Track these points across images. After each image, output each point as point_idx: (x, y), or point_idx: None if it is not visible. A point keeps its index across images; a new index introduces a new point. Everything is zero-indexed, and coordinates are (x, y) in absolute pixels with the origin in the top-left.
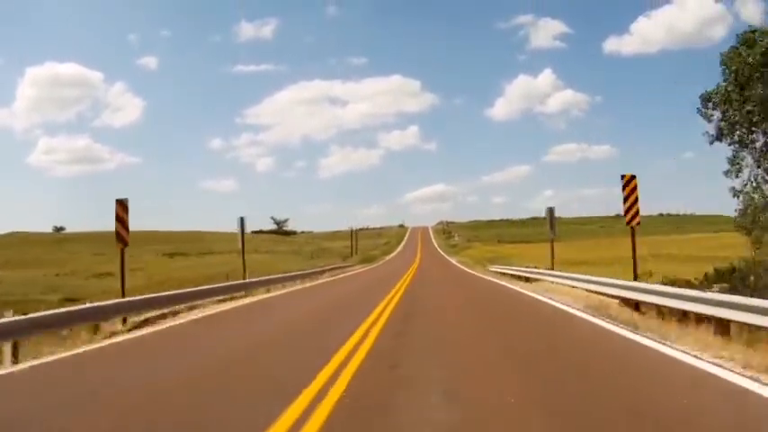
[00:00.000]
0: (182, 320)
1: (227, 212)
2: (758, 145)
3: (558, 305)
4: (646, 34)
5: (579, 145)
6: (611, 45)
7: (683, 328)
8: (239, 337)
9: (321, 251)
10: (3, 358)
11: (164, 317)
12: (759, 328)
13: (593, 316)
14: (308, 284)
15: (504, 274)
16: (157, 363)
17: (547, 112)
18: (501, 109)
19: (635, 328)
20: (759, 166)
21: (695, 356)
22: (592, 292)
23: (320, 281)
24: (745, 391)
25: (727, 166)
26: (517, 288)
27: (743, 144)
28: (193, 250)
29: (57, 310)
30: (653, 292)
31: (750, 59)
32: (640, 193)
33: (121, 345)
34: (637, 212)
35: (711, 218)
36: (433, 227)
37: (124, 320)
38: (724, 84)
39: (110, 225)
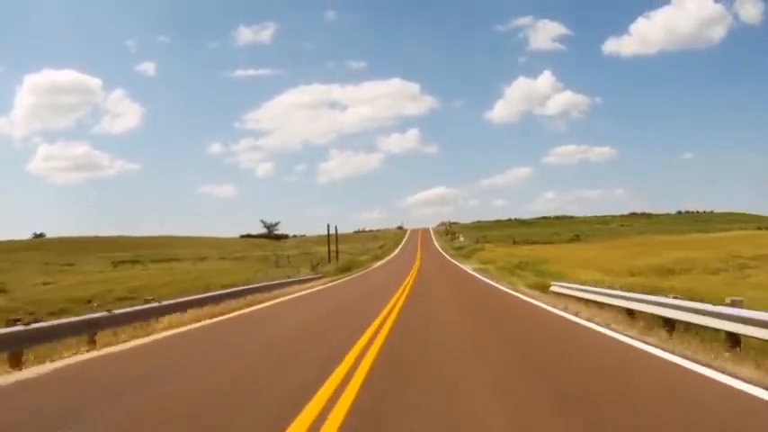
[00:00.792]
0: None
1: (227, 218)
2: None
3: None
4: (645, 35)
5: (579, 146)
6: (611, 46)
7: None
8: None
9: (300, 256)
10: None
11: None
12: None
13: None
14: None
15: (600, 304)
16: None
17: (547, 113)
18: (501, 111)
19: None
20: None
21: None
22: None
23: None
24: None
25: None
26: None
27: None
28: (153, 257)
29: None
30: None
31: None
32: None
33: None
34: None
35: (733, 216)
36: (435, 228)
37: None
38: None
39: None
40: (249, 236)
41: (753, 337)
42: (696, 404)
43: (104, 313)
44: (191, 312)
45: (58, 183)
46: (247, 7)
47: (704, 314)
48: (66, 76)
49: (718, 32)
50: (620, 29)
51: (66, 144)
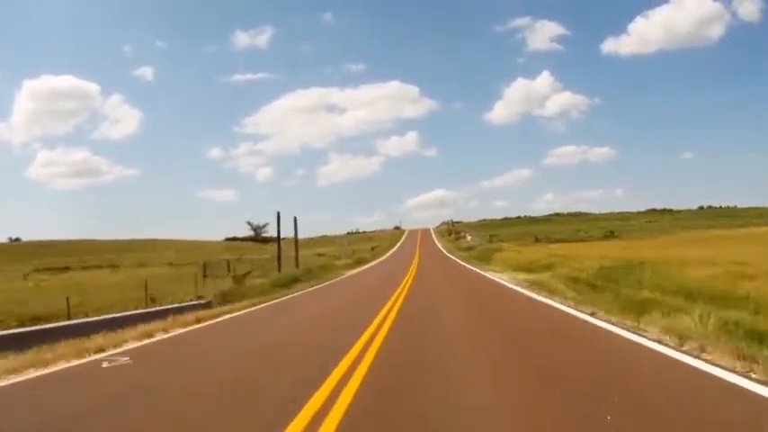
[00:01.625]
0: None
1: (227, 221)
2: None
3: None
4: (644, 35)
5: (579, 147)
6: (610, 46)
7: None
8: None
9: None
10: None
11: None
12: None
13: None
14: None
15: None
16: None
17: (546, 114)
18: (500, 112)
19: None
20: None
21: None
22: None
23: None
24: None
25: None
26: None
27: None
28: (93, 263)
29: None
30: None
31: None
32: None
33: None
34: None
35: (760, 210)
36: (436, 228)
37: None
38: None
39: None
40: (235, 239)
41: None
42: None
43: None
44: None
45: (57, 188)
46: (244, 11)
47: None
48: (65, 81)
49: (716, 31)
50: (619, 28)
51: (65, 150)
